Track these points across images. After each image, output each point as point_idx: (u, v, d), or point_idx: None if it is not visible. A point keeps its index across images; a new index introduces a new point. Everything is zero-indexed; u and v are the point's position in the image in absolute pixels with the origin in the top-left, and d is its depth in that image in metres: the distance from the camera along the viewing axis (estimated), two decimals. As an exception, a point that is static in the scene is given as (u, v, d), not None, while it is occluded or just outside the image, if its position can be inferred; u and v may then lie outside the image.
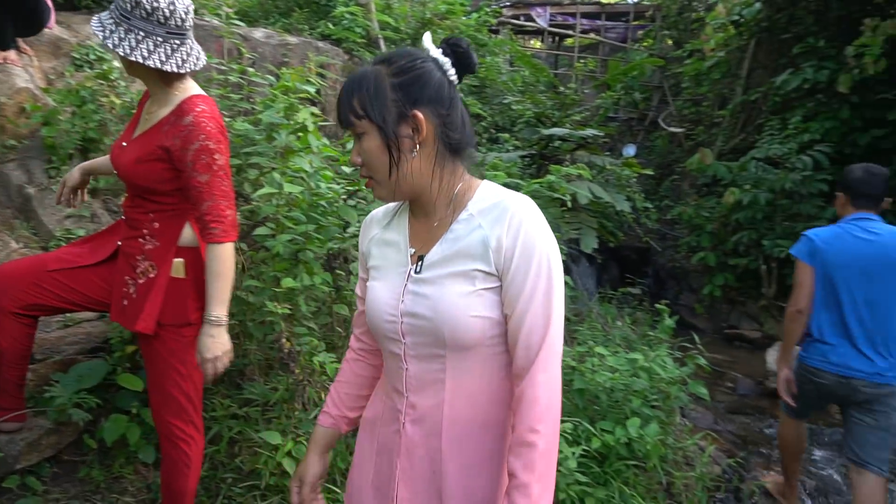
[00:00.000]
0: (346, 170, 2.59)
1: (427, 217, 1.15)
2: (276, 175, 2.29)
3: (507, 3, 11.39)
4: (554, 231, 1.14)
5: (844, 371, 2.65)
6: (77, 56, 3.83)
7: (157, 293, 1.73)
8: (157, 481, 2.16)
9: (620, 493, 2.73)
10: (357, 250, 1.48)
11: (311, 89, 2.52)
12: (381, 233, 1.24)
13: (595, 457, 2.80)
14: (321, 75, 3.78)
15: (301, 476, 1.31)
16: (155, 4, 1.57)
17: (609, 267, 8.48)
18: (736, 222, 6.82)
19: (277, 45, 5.29)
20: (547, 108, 7.53)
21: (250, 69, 3.17)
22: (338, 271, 2.62)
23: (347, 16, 5.66)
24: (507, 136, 6.87)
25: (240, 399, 2.41)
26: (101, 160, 2.06)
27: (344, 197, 2.72)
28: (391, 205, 1.27)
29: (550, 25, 11.45)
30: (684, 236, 8.04)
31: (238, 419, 2.38)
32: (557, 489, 2.61)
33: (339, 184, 2.68)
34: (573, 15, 11.76)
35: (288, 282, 2.09)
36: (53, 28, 3.63)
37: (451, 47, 1.12)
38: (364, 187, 2.77)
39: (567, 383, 2.98)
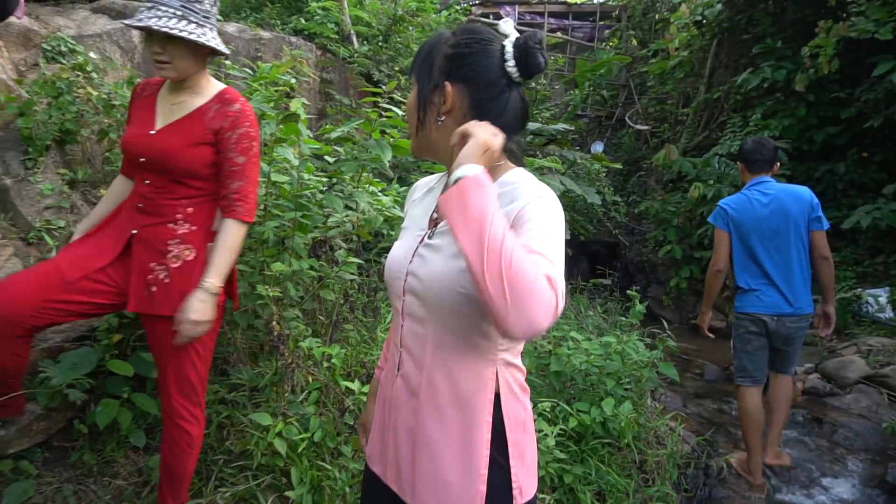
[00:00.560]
0: (330, 160, 2.65)
1: None
2: (263, 164, 2.34)
3: (477, 2, 11.51)
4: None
5: (775, 310, 3.20)
6: (48, 48, 3.78)
7: (198, 276, 1.78)
8: (148, 465, 2.19)
9: (597, 470, 2.85)
10: None
11: (293, 80, 2.57)
12: (421, 198, 1.32)
13: (572, 436, 2.92)
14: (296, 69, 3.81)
15: (364, 423, 1.46)
16: None
17: (579, 261, 8.67)
18: (700, 216, 7.05)
19: (250, 40, 5.29)
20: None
21: (227, 62, 3.20)
22: (323, 258, 2.68)
23: (320, 11, 5.68)
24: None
25: (227, 384, 2.46)
26: (102, 209, 2.01)
27: (324, 189, 2.78)
28: (437, 175, 1.35)
29: (519, 24, 11.59)
30: (652, 231, 8.26)
31: (226, 404, 2.42)
32: (538, 467, 2.72)
33: (317, 176, 2.73)
34: (541, 14, 11.95)
35: (277, 266, 2.14)
36: (23, 19, 3.58)
37: (519, 43, 1.12)
38: (343, 179, 2.84)
39: (544, 367, 3.09)
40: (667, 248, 7.37)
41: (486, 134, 1.00)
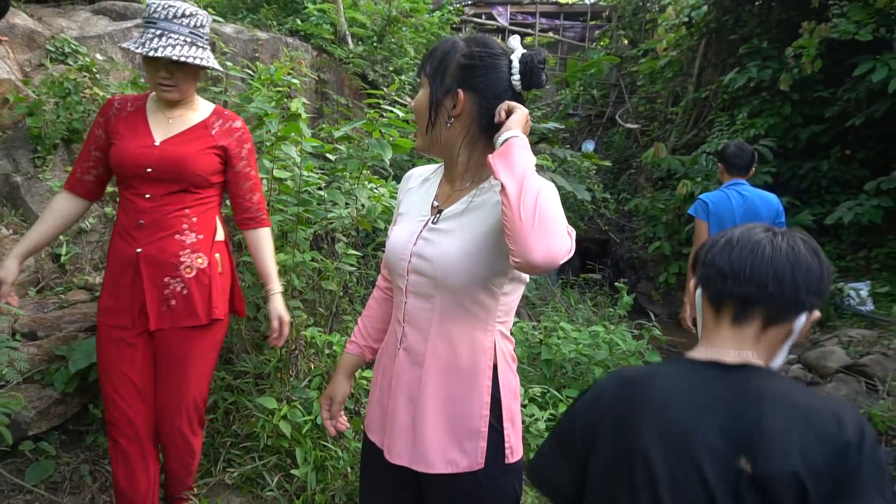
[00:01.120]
0: (331, 157, 2.77)
1: (453, 182, 1.34)
2: (266, 161, 2.46)
3: (469, 2, 11.63)
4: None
5: None
6: (52, 49, 3.88)
7: (217, 280, 1.86)
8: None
9: (585, 453, 2.98)
10: None
11: (296, 81, 2.68)
12: (417, 187, 1.43)
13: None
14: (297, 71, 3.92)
15: (331, 395, 1.52)
16: (196, 15, 1.79)
17: (571, 258, 8.82)
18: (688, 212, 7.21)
19: (248, 41, 5.39)
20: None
21: (229, 63, 3.31)
22: (324, 251, 2.80)
23: (316, 13, 5.79)
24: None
25: (233, 372, 2.57)
26: (40, 231, 1.89)
27: (324, 185, 2.90)
28: (431, 167, 1.46)
29: (511, 24, 11.73)
30: (641, 227, 8.42)
31: (232, 391, 2.54)
32: (529, 449, 2.85)
33: (317, 172, 2.85)
34: (533, 14, 12.08)
35: (281, 257, 2.26)
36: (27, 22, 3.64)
37: (525, 59, 1.24)
38: (343, 175, 2.96)
39: (535, 355, 3.23)
40: (656, 245, 7.52)
41: (525, 110, 1.21)
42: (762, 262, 1.02)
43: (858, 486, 0.87)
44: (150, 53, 1.70)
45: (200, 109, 1.93)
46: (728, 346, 1.03)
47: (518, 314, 4.37)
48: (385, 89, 2.68)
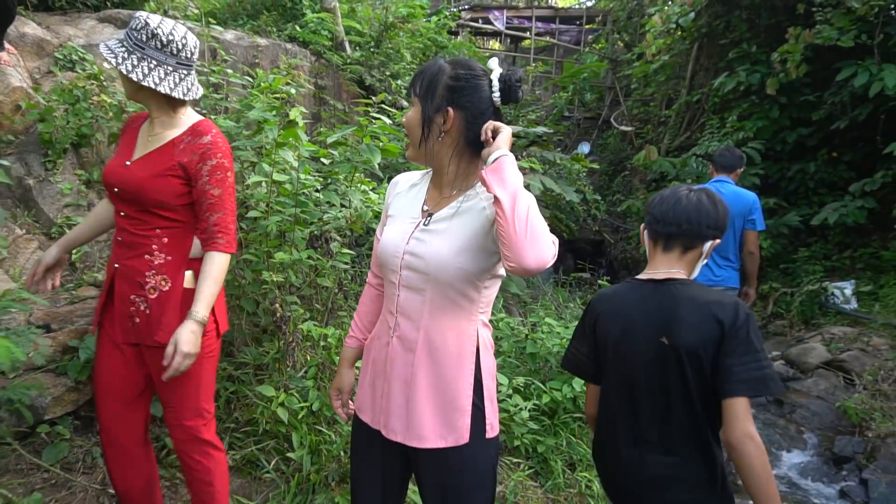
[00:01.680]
0: (326, 161, 2.93)
1: (441, 189, 1.49)
2: (266, 165, 2.63)
3: (466, 7, 11.80)
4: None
5: (702, 280, 3.78)
6: (60, 56, 4.04)
7: (174, 304, 1.79)
8: (165, 431, 2.47)
9: (568, 441, 3.15)
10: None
11: (293, 90, 2.85)
12: (406, 191, 1.58)
13: (545, 411, 3.22)
14: (292, 78, 4.08)
15: (339, 387, 1.69)
16: (171, 37, 1.71)
17: (564, 258, 8.98)
18: (679, 214, 7.35)
19: (248, 47, 5.56)
20: (503, 107, 7.97)
21: (229, 71, 3.48)
22: (319, 250, 2.96)
23: (315, 20, 5.95)
24: (467, 133, 7.26)
25: (234, 363, 2.74)
26: (80, 229, 2.01)
27: (320, 188, 3.06)
28: (418, 173, 1.62)
29: (507, 28, 11.90)
30: (634, 228, 8.57)
31: (233, 381, 2.70)
32: (513, 437, 3.02)
33: (314, 176, 3.02)
34: (529, 18, 12.25)
35: (280, 255, 2.43)
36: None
37: (503, 78, 1.42)
38: (337, 178, 3.13)
39: (521, 349, 3.39)
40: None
41: (509, 129, 1.38)
42: (678, 209, 1.58)
43: (733, 349, 1.43)
44: (112, 63, 1.71)
45: (179, 126, 1.84)
46: (661, 267, 1.60)
47: (508, 311, 4.54)
48: (374, 98, 2.84)
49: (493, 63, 1.45)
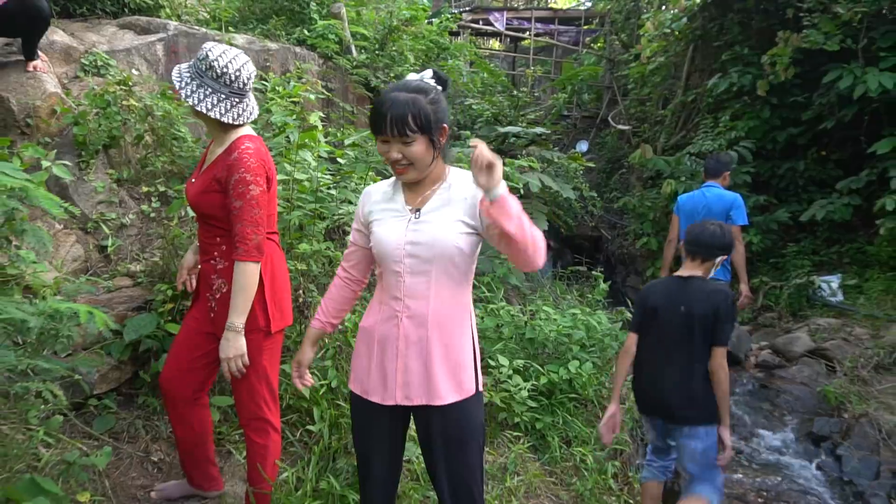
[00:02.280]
0: (341, 161, 3.18)
1: (421, 188, 1.71)
2: (287, 165, 2.88)
3: (467, 9, 12.04)
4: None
5: None
6: (86, 62, 4.29)
7: (228, 306, 1.99)
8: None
9: (564, 420, 3.41)
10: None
11: (311, 96, 3.10)
12: (382, 200, 1.77)
13: (543, 392, 3.47)
14: (311, 85, 4.34)
15: (299, 360, 1.94)
16: (225, 70, 1.92)
17: (564, 253, 9.25)
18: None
19: (259, 51, 5.80)
20: (503, 108, 8.22)
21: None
22: (336, 242, 3.22)
23: (324, 25, 6.20)
24: (468, 133, 7.53)
25: (258, 346, 2.99)
26: None
27: (334, 186, 3.32)
28: (385, 182, 1.82)
29: (507, 29, 12.14)
30: (631, 225, 8.83)
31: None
32: (514, 414, 3.28)
33: (329, 174, 3.27)
34: (528, 19, 12.49)
35: (303, 246, 2.68)
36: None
37: (436, 74, 1.70)
38: (350, 177, 3.38)
39: (520, 335, 3.65)
40: (643, 241, 7.93)
41: (500, 162, 1.47)
42: (702, 237, 2.66)
43: (719, 321, 2.52)
44: (176, 87, 1.94)
45: (226, 144, 2.03)
46: (688, 270, 2.69)
47: (508, 301, 4.79)
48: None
49: (427, 76, 1.69)
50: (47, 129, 3.57)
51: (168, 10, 5.63)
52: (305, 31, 6.39)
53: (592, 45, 12.60)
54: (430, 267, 1.67)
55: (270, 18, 6.78)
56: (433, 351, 1.68)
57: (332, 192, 3.15)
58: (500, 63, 12.69)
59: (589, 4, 13.64)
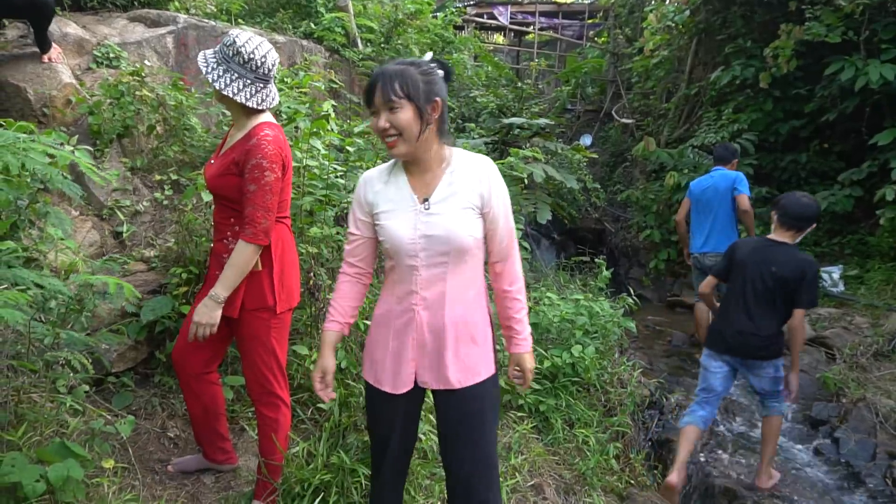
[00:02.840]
0: (351, 149, 3.26)
1: (423, 174, 1.69)
2: (297, 152, 2.96)
3: (472, 3, 12.09)
4: (514, 205, 1.84)
5: (697, 249, 4.93)
6: (99, 54, 4.38)
7: (239, 284, 2.06)
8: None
9: (567, 403, 3.49)
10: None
11: (321, 86, 3.18)
12: (384, 188, 1.72)
13: (546, 375, 3.55)
14: (323, 77, 4.41)
15: (323, 369, 1.83)
16: (251, 56, 1.98)
17: (567, 245, 9.32)
18: (677, 202, 7.68)
19: (277, 54, 5.88)
20: (507, 100, 8.28)
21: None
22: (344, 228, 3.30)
23: (331, 19, 6.27)
24: (472, 125, 7.60)
25: (269, 329, 3.08)
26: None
27: (344, 173, 3.40)
28: (383, 167, 1.78)
29: (511, 23, 12.19)
30: (634, 217, 8.88)
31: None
32: (518, 396, 3.36)
33: (337, 162, 3.35)
34: (532, 13, 12.53)
35: (315, 230, 2.76)
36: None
37: (439, 60, 1.69)
38: (357, 165, 3.46)
39: (525, 320, 3.72)
40: (647, 233, 7.99)
41: (531, 362, 1.87)
42: (797, 210, 3.08)
43: (808, 285, 2.99)
44: (203, 71, 2.01)
45: (246, 129, 2.09)
46: (779, 236, 3.12)
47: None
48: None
49: (427, 57, 1.71)
50: (63, 119, 3.66)
51: (177, 3, 5.70)
52: (312, 25, 6.47)
53: (596, 39, 12.63)
54: (447, 258, 1.67)
55: (278, 12, 6.86)
56: (448, 338, 1.70)
57: (341, 180, 3.23)
58: (504, 57, 12.73)
59: (593, -2, 13.66)
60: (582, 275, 6.36)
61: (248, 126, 2.09)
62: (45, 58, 3.75)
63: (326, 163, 3.11)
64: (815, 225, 3.10)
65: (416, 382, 1.76)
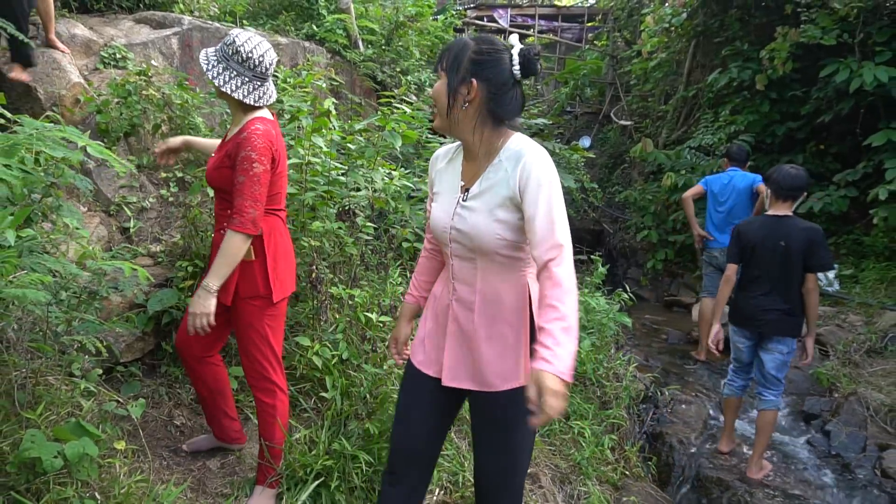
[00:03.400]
0: (352, 146, 3.35)
1: (473, 161, 1.62)
2: (300, 149, 3.05)
3: (472, 6, 12.19)
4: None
5: (712, 245, 5.15)
6: (105, 55, 4.47)
7: (233, 273, 2.13)
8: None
9: (563, 396, 3.56)
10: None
11: (322, 84, 3.26)
12: (445, 167, 1.72)
13: (544, 369, 3.62)
14: (324, 75, 4.50)
15: (396, 337, 1.90)
16: (250, 55, 2.07)
17: (565, 245, 9.38)
18: (674, 203, 7.77)
19: (275, 54, 5.97)
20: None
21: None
22: (346, 224, 3.38)
23: (334, 20, 6.36)
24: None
25: (272, 322, 3.16)
26: (204, 141, 2.55)
27: (344, 171, 3.48)
28: (451, 146, 1.74)
29: (511, 26, 12.28)
30: (633, 218, 8.96)
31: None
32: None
33: (339, 160, 3.43)
34: (532, 16, 12.63)
35: (316, 225, 2.85)
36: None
37: (523, 53, 1.55)
38: (359, 161, 3.55)
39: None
40: (644, 233, 8.07)
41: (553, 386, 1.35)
42: (787, 180, 3.22)
43: (818, 250, 3.15)
44: (204, 68, 2.10)
45: (240, 125, 2.17)
46: (779, 210, 3.26)
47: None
48: (396, 90, 3.25)
49: (514, 39, 1.62)
50: (71, 118, 3.74)
51: (181, 5, 5.80)
52: (314, 27, 6.56)
53: (595, 41, 12.73)
54: (474, 255, 1.61)
55: (280, 14, 6.96)
56: (479, 339, 1.62)
57: (342, 177, 3.31)
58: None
59: (592, 1, 13.77)
60: (579, 273, 6.45)
61: (244, 121, 2.17)
62: (14, 73, 3.53)
63: (328, 160, 3.20)
64: (805, 193, 3.32)
65: (447, 380, 1.69)
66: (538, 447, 3.16)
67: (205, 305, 2.07)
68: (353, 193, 3.19)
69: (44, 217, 2.48)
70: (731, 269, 3.42)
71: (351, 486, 2.40)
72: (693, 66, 9.46)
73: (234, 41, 2.09)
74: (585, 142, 10.78)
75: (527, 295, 1.60)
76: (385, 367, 2.86)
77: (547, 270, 1.43)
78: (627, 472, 3.44)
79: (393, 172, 3.36)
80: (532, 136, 6.33)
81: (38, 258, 1.66)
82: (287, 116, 3.23)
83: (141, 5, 5.50)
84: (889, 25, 6.09)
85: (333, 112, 3.00)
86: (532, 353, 1.42)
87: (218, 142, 2.49)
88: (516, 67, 1.55)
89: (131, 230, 3.44)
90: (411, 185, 3.56)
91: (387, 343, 1.97)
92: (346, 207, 3.24)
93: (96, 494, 1.80)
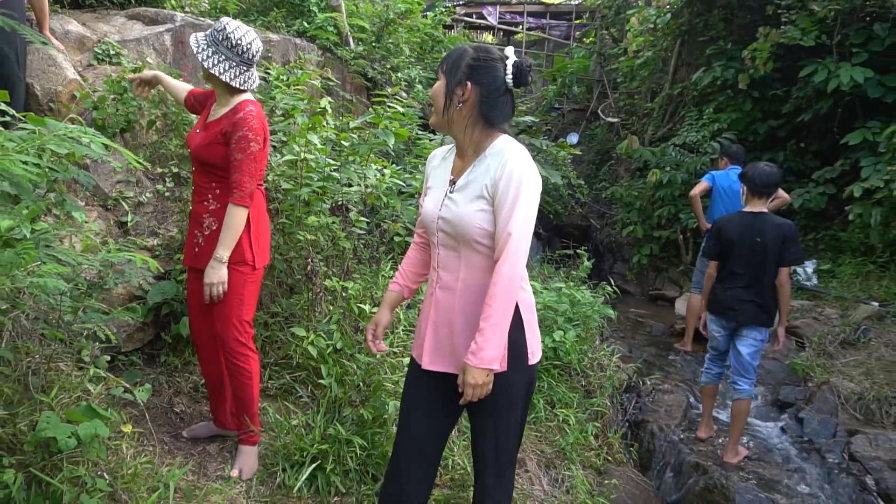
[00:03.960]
0: (346, 144, 3.45)
1: (463, 158, 1.75)
2: (295, 146, 3.15)
3: (461, 2, 12.28)
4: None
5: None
6: (99, 51, 4.52)
7: (217, 240, 2.30)
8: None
9: (549, 385, 3.70)
10: None
11: (317, 83, 3.36)
12: (439, 164, 1.85)
13: (530, 359, 3.76)
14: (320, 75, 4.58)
15: (376, 322, 1.94)
16: (239, 41, 2.25)
17: (553, 241, 9.55)
18: (659, 199, 7.93)
19: (261, 42, 6.04)
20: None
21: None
22: (339, 219, 3.48)
23: (325, 18, 6.44)
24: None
25: (268, 313, 3.26)
26: (173, 82, 2.75)
27: (337, 167, 3.58)
28: (447, 148, 1.87)
29: (500, 23, 12.39)
30: (619, 214, 9.12)
31: (266, 327, 3.23)
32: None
33: (332, 156, 3.54)
34: (521, 13, 12.75)
35: (312, 219, 2.95)
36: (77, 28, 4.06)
37: (516, 64, 1.69)
38: (353, 158, 3.65)
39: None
40: (630, 228, 8.22)
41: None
42: (762, 178, 3.42)
43: (791, 246, 3.35)
44: (195, 51, 2.28)
45: (230, 105, 2.33)
46: (755, 207, 3.45)
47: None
48: (389, 89, 3.35)
49: (510, 51, 1.75)
50: (67, 114, 3.81)
51: (173, 1, 5.85)
52: (305, 24, 6.63)
53: (583, 39, 12.87)
54: (458, 244, 1.71)
55: (271, 10, 7.01)
56: (457, 323, 1.72)
57: (336, 173, 3.41)
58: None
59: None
60: (566, 267, 6.59)
61: (233, 103, 2.34)
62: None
63: (323, 156, 3.30)
64: (778, 188, 3.57)
65: (426, 364, 1.78)
66: (524, 433, 3.29)
67: (219, 275, 2.27)
68: (346, 189, 3.29)
69: (47, 211, 2.57)
70: (713, 266, 3.59)
71: (346, 469, 2.52)
72: (679, 65, 9.62)
73: (225, 28, 2.25)
74: (573, 138, 10.93)
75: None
76: (378, 356, 2.97)
77: (498, 263, 1.60)
78: (610, 458, 3.58)
79: (385, 169, 3.47)
80: (520, 133, 6.46)
81: (51, 250, 1.76)
82: (279, 113, 3.32)
83: (133, 1, 5.54)
84: (865, 27, 6.28)
85: (329, 111, 3.10)
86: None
87: (186, 86, 2.76)
88: (509, 76, 1.69)
89: (129, 224, 3.52)
90: (402, 181, 3.67)
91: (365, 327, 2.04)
92: (340, 203, 3.34)
93: (105, 474, 1.90)
